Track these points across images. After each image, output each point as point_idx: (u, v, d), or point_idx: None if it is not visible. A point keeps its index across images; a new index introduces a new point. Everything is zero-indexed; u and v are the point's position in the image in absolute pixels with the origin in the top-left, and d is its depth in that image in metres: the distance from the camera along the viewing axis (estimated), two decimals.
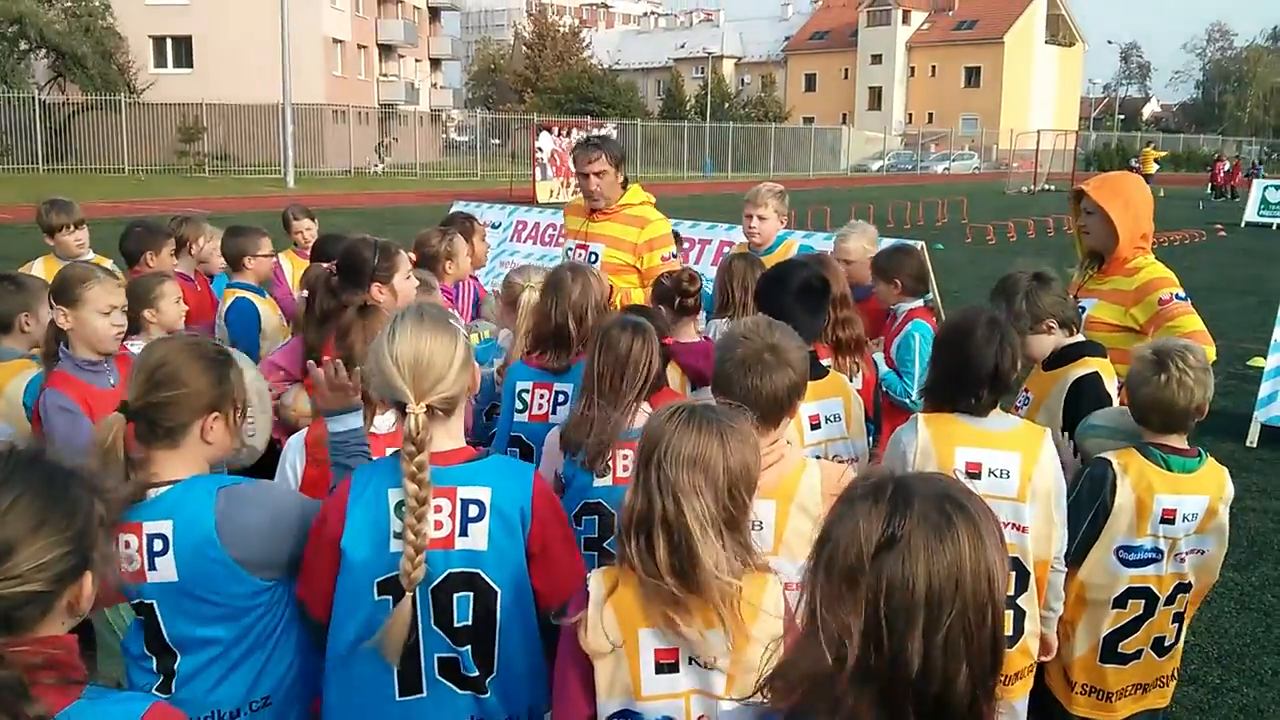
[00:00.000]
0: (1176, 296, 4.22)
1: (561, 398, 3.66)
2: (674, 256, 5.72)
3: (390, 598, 2.48)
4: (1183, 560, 3.28)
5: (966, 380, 3.16)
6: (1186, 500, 3.22)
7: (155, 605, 2.50)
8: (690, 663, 2.24)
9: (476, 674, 2.56)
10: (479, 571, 2.53)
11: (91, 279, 3.77)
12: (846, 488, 1.65)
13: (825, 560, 1.58)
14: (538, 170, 34.79)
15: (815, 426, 3.48)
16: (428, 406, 2.46)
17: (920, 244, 6.04)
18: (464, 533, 2.52)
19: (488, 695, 2.58)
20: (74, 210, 5.89)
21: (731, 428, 2.26)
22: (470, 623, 2.54)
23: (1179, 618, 3.38)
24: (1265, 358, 9.32)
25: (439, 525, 2.50)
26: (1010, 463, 3.13)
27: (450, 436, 2.59)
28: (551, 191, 34.37)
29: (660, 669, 2.24)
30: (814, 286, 3.73)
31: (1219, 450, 8.40)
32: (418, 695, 2.56)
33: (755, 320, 2.96)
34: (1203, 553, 3.32)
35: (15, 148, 41.93)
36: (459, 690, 2.57)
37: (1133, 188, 4.47)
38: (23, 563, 1.61)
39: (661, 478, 2.20)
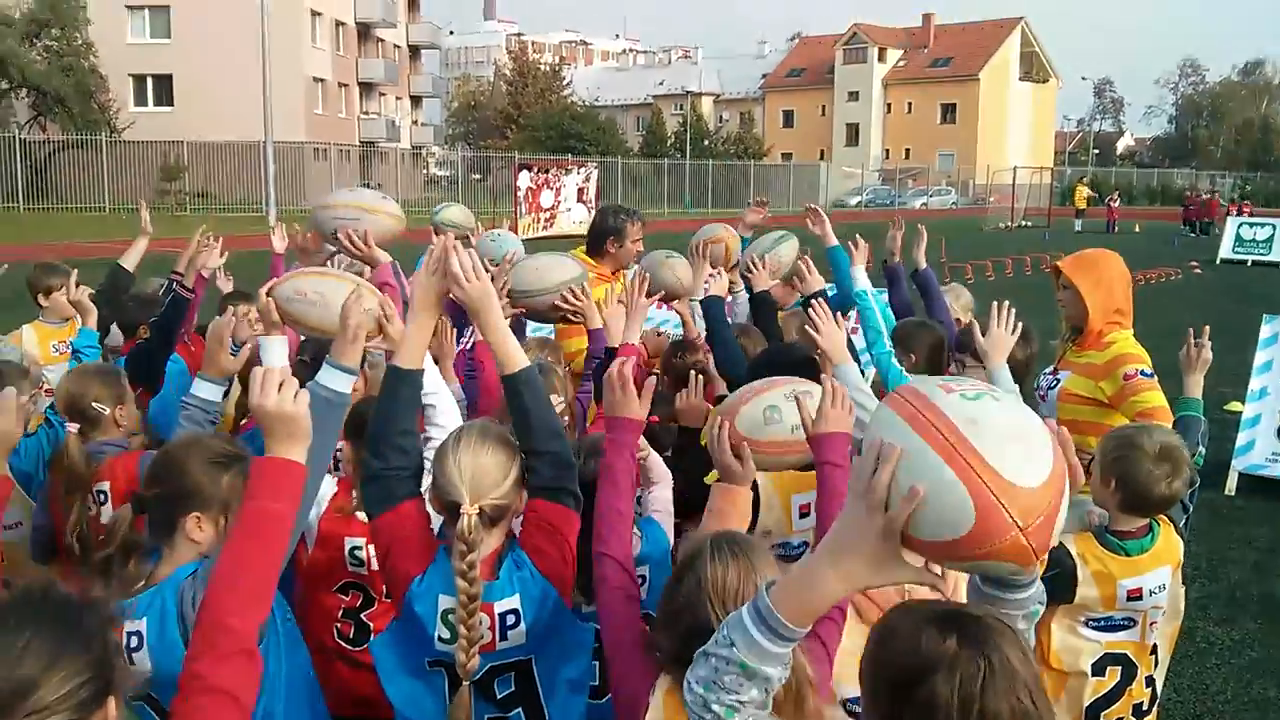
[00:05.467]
0: (1142, 373, 4.35)
1: None
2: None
3: (442, 670, 2.69)
4: (1155, 625, 3.40)
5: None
6: (1149, 577, 3.35)
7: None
8: None
9: None
10: (516, 658, 2.73)
11: None
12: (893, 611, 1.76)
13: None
14: (518, 207, 35.04)
15: (804, 515, 3.51)
16: (480, 509, 2.59)
17: (955, 287, 6.06)
18: (504, 638, 2.69)
19: None
20: (66, 271, 5.93)
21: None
22: (513, 689, 2.74)
23: (1150, 681, 3.48)
24: (1242, 403, 9.44)
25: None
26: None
27: (491, 541, 2.71)
28: (525, 227, 34.73)
29: None
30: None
31: (1198, 499, 8.61)
32: None
33: None
34: (1161, 609, 3.43)
35: None
36: None
37: (1107, 264, 4.63)
38: (47, 695, 1.65)
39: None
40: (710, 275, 5.32)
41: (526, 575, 2.70)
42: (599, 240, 5.84)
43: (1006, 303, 4.02)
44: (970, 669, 1.64)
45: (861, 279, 5.29)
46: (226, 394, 3.91)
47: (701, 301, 4.81)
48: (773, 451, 2.93)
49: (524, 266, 4.63)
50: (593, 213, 37.79)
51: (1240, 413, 9.38)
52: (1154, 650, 3.46)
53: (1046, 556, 1.68)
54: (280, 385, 2.23)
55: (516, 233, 29.85)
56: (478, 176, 61.83)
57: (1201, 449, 3.91)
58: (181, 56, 51.02)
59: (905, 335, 4.78)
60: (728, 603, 2.14)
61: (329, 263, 5.01)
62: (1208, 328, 4.23)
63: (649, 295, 4.36)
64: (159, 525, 2.67)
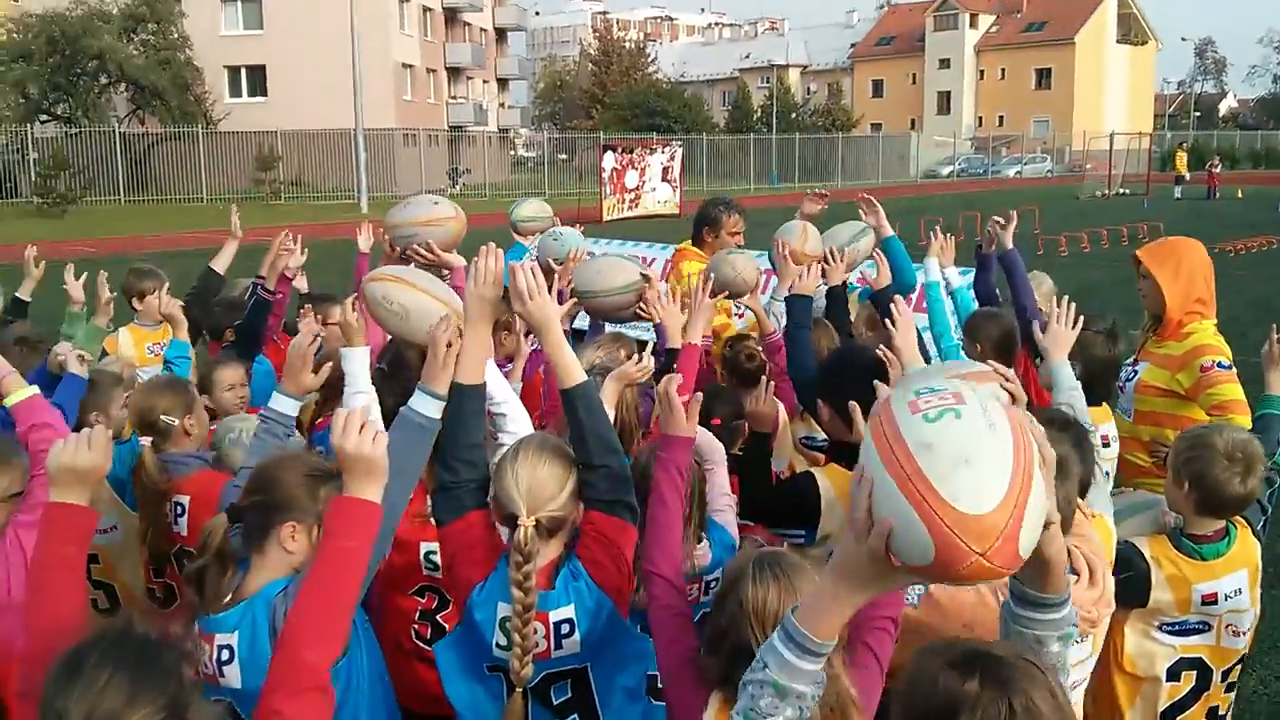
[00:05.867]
0: (1219, 364, 4.27)
1: None
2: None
3: (500, 675, 2.76)
4: (1236, 634, 3.32)
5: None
6: (1225, 581, 3.28)
7: (233, 705, 2.68)
8: None
9: None
10: (571, 666, 2.79)
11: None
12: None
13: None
14: (602, 189, 35.15)
15: None
16: (536, 521, 2.66)
17: (1037, 274, 5.87)
18: (559, 646, 2.75)
19: None
20: (159, 275, 6.14)
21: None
22: (569, 696, 2.80)
23: (1232, 686, 3.42)
24: None
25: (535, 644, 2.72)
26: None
27: (548, 552, 2.78)
28: (610, 208, 34.84)
29: None
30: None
31: None
32: None
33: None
34: (1243, 611, 3.36)
35: (98, 179, 43.27)
36: None
37: (1187, 253, 4.52)
38: None
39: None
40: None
41: (582, 586, 2.76)
42: (698, 230, 6.27)
43: (1066, 298, 3.93)
44: (992, 711, 1.66)
45: (934, 270, 5.25)
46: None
47: (786, 299, 4.76)
48: None
49: (586, 268, 4.71)
50: (677, 191, 38.01)
51: None
52: (1230, 655, 3.39)
53: (1071, 566, 1.72)
54: (361, 427, 2.35)
55: (601, 215, 30.32)
56: (564, 157, 62.13)
57: None
58: (274, 47, 52.00)
59: (973, 326, 4.77)
60: (767, 625, 2.16)
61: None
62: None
63: (714, 294, 4.36)
64: (253, 534, 2.78)
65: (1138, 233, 25.67)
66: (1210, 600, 3.26)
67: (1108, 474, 3.97)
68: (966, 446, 1.66)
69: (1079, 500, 2.83)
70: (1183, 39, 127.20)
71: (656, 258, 13.46)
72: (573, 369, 2.88)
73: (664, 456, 2.78)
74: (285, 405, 3.40)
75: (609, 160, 35.60)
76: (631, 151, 37.37)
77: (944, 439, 1.67)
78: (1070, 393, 3.54)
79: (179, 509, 3.78)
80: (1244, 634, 3.37)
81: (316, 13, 49.14)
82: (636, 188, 36.55)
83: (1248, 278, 20.26)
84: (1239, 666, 3.45)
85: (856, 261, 5.61)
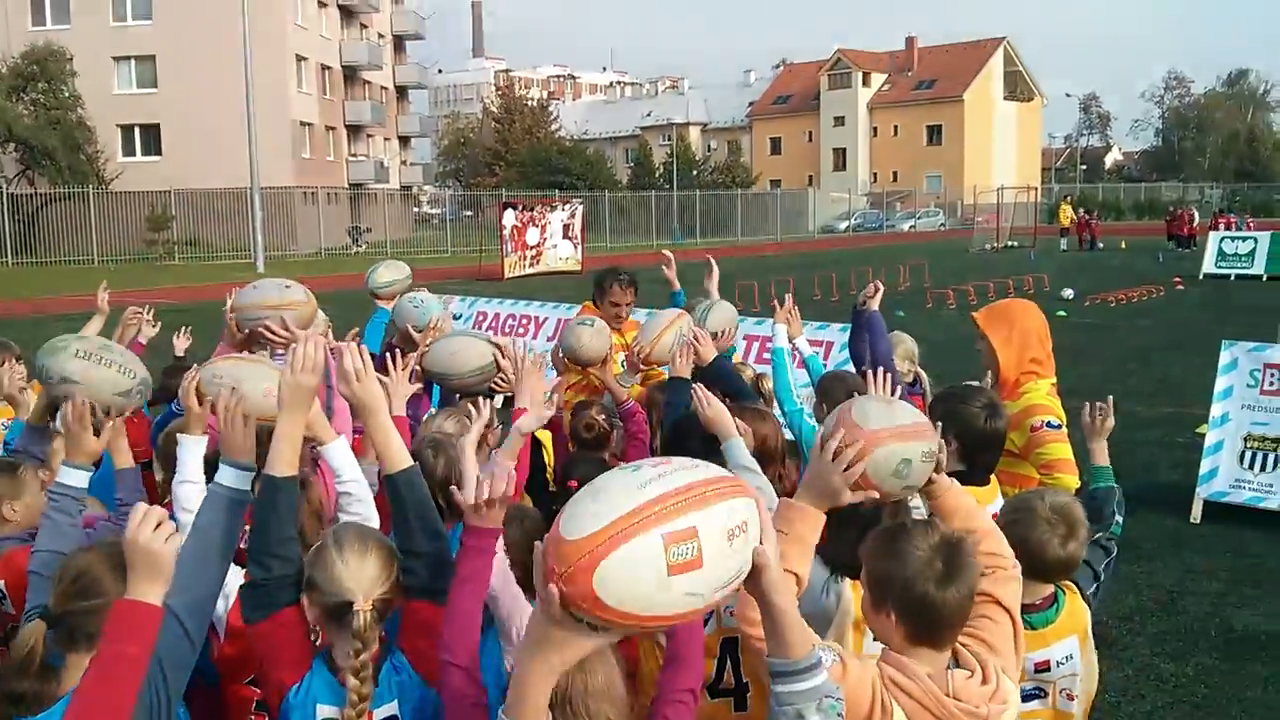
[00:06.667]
0: (1048, 424, 4.40)
1: None
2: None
3: None
4: (1070, 698, 3.38)
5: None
6: (1055, 648, 3.31)
7: None
8: None
9: None
10: None
11: None
12: None
13: None
14: (503, 246, 35.23)
15: None
16: (372, 605, 2.59)
17: (899, 334, 6.10)
18: None
19: None
20: (10, 348, 5.95)
21: None
22: None
23: None
24: None
25: None
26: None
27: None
28: (511, 265, 34.96)
29: None
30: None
31: (1162, 527, 8.63)
32: None
33: None
34: (1076, 675, 3.41)
35: None
36: None
37: (1020, 316, 4.68)
38: None
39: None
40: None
41: (405, 679, 2.67)
42: (594, 291, 6.85)
43: (882, 369, 3.89)
44: None
45: (780, 337, 5.39)
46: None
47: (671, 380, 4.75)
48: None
49: (439, 349, 4.72)
50: (579, 248, 38.22)
51: None
52: (1066, 718, 3.44)
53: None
54: (157, 525, 2.31)
55: (503, 272, 30.41)
56: (469, 214, 62.11)
57: (1119, 518, 3.88)
58: (168, 105, 51.38)
59: (823, 387, 4.94)
60: None
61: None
62: (1111, 398, 4.11)
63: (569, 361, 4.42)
64: (74, 636, 2.66)
65: (1023, 285, 26.46)
66: (1043, 668, 3.30)
67: None
68: (601, 482, 1.86)
69: (997, 592, 2.72)
70: (1067, 95, 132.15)
71: (549, 317, 13.56)
72: (398, 454, 2.82)
73: (474, 544, 2.67)
74: (73, 478, 3.27)
75: (509, 218, 35.73)
76: (532, 209, 37.56)
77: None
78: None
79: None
80: (1076, 697, 3.43)
81: (211, 70, 48.70)
82: (538, 245, 36.67)
83: (1129, 327, 20.99)
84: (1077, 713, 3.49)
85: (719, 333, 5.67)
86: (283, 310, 4.26)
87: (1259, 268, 31.06)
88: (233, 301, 4.35)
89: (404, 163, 73.25)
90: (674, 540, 1.74)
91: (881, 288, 5.58)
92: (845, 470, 2.54)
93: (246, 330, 4.28)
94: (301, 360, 2.75)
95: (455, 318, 13.37)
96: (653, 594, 1.74)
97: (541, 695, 1.84)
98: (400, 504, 2.79)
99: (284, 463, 2.72)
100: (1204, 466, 8.99)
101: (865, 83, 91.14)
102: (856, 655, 2.50)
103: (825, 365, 8.07)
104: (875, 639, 2.67)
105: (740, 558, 1.87)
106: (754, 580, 1.97)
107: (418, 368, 4.61)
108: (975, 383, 4.35)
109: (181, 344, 7.15)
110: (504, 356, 4.51)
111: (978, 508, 2.81)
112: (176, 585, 2.38)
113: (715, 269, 6.55)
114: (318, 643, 2.75)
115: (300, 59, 56.55)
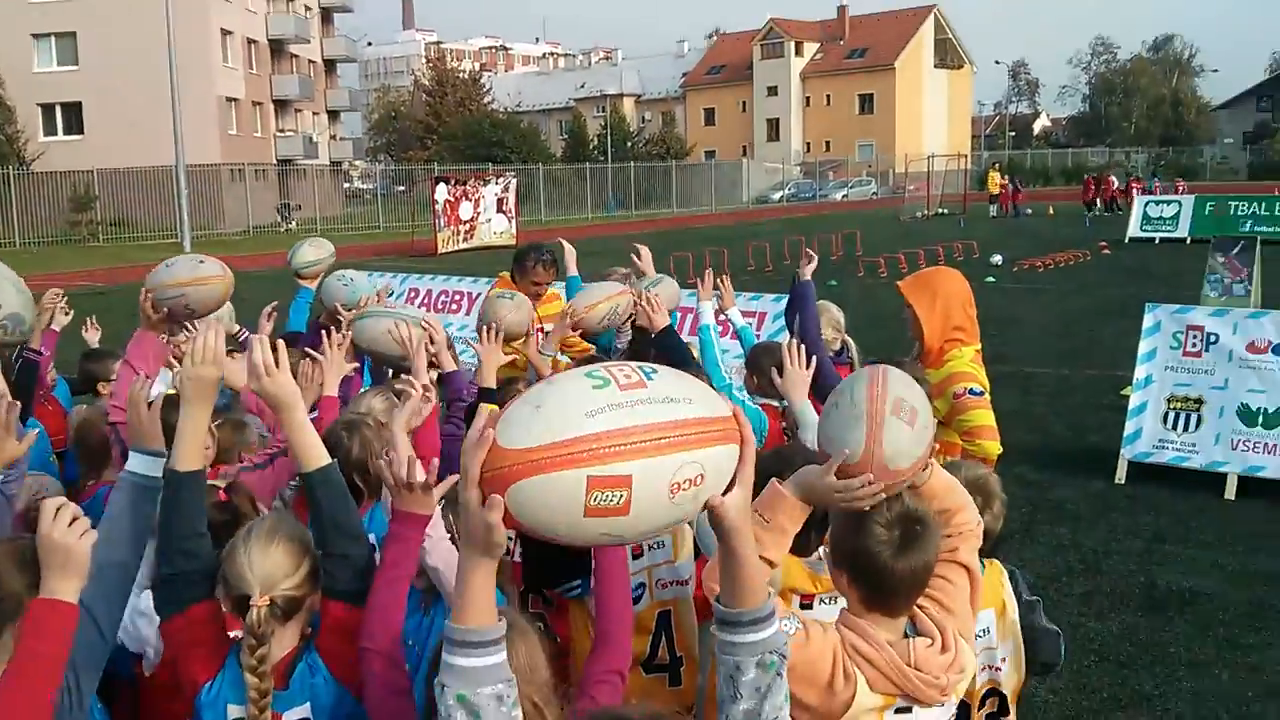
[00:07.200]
0: (970, 391, 4.47)
1: None
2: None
3: None
4: (995, 669, 3.40)
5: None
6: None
7: None
8: None
9: None
10: None
11: None
12: None
13: None
14: (436, 221, 34.93)
15: (636, 556, 3.51)
16: (270, 600, 2.53)
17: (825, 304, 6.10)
18: None
19: None
20: None
21: None
22: None
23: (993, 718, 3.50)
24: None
25: None
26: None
27: (284, 642, 2.62)
28: (445, 240, 34.69)
29: None
30: None
31: (1088, 489, 8.81)
32: None
33: None
34: (1005, 659, 3.44)
35: None
36: None
37: (943, 283, 4.74)
38: None
39: None
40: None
41: (320, 682, 2.60)
42: (514, 267, 6.91)
43: (796, 340, 4.03)
44: None
45: (706, 313, 5.39)
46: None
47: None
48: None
49: (368, 326, 4.64)
50: (513, 222, 38.02)
51: None
52: (999, 694, 3.44)
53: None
54: (71, 521, 2.27)
55: (436, 247, 30.20)
56: (401, 189, 61.41)
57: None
58: (90, 83, 50.09)
59: (752, 359, 4.93)
60: None
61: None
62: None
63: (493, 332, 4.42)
64: None
65: (953, 252, 26.79)
66: None
67: None
68: (553, 390, 1.78)
69: (959, 551, 2.66)
70: (997, 62, 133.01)
71: (482, 292, 13.48)
72: (314, 451, 2.74)
73: (400, 532, 2.64)
74: None
75: (442, 192, 35.43)
76: (465, 183, 37.27)
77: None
78: (812, 430, 3.60)
79: None
80: (999, 668, 3.46)
81: (134, 47, 47.55)
82: (471, 219, 36.42)
83: (1057, 292, 21.36)
84: (996, 699, 3.52)
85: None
86: (197, 285, 4.20)
87: (1183, 231, 31.71)
88: (148, 281, 4.26)
89: (334, 138, 72.10)
90: (599, 485, 1.65)
91: (815, 257, 5.61)
92: (839, 495, 2.42)
93: (165, 309, 4.20)
94: (201, 352, 2.66)
95: (390, 294, 13.28)
96: (564, 528, 1.70)
97: (483, 591, 1.78)
98: (315, 504, 2.71)
99: (188, 457, 2.65)
100: (1128, 428, 9.18)
101: (798, 52, 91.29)
102: (819, 623, 2.48)
103: (758, 336, 8.15)
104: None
105: (681, 510, 1.77)
106: (715, 525, 1.89)
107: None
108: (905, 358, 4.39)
109: (92, 335, 7.01)
110: (435, 330, 4.47)
111: (957, 484, 2.78)
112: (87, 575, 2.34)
113: (646, 251, 6.31)
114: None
115: (225, 33, 55.37)
